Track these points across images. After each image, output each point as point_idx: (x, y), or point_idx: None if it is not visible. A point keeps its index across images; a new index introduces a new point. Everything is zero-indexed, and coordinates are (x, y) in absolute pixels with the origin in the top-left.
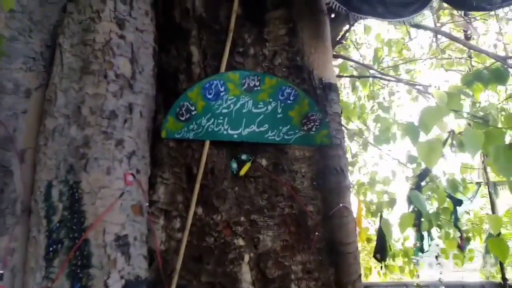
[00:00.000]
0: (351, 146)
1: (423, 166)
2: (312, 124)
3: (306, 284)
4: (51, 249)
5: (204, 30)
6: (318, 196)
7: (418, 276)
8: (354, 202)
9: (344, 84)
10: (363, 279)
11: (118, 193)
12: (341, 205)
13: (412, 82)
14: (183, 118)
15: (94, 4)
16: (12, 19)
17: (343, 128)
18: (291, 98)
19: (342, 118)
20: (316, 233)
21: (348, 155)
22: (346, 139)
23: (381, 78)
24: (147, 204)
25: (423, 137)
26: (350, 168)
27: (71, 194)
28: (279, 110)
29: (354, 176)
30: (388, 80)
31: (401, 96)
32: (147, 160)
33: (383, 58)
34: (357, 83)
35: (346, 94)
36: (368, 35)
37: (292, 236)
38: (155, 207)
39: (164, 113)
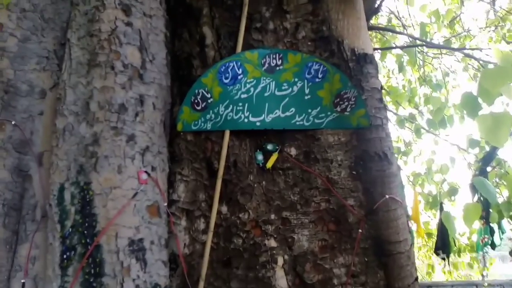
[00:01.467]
0: (403, 134)
1: (488, 150)
2: (346, 103)
3: None
4: (65, 256)
5: (216, 7)
6: (359, 187)
7: (486, 275)
8: (410, 194)
9: (391, 70)
10: (425, 279)
11: (131, 193)
12: (387, 196)
13: (469, 53)
14: (199, 108)
15: None
16: (23, 19)
17: (385, 106)
18: (320, 76)
19: (391, 103)
20: (360, 231)
21: (401, 145)
22: (397, 126)
23: (430, 46)
24: (166, 204)
25: (485, 110)
26: (404, 158)
27: (82, 197)
28: (307, 91)
29: (409, 167)
30: (439, 48)
31: (456, 76)
32: (164, 156)
33: (434, 33)
34: (405, 63)
35: (394, 78)
36: (412, 7)
37: (332, 235)
38: (175, 207)
39: (180, 104)
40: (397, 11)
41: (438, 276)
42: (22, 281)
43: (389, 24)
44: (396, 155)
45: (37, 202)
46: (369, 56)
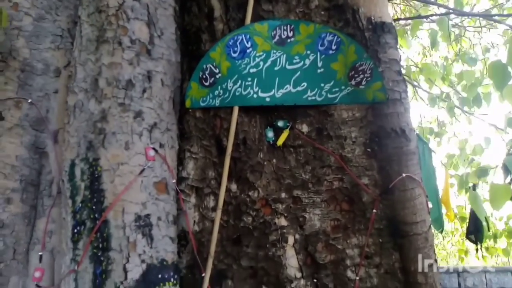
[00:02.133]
0: (438, 114)
1: None
2: (362, 76)
3: (365, 271)
4: (75, 230)
5: None
6: (374, 165)
7: None
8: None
9: (427, 47)
10: (458, 263)
11: (138, 169)
12: (404, 175)
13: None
14: (207, 83)
15: None
16: None
17: (403, 78)
18: (333, 47)
19: (423, 81)
20: (374, 211)
21: (435, 125)
22: (427, 104)
23: (460, 14)
24: (175, 181)
25: None
26: (437, 139)
27: (91, 173)
28: (320, 64)
29: (444, 149)
30: (469, 16)
31: (498, 52)
32: (173, 133)
33: (473, 5)
34: (439, 38)
35: (424, 52)
36: None
37: (345, 214)
38: (185, 184)
39: (189, 80)
40: None
41: (472, 262)
42: (39, 253)
43: None
44: (429, 136)
45: (53, 178)
46: (387, 24)
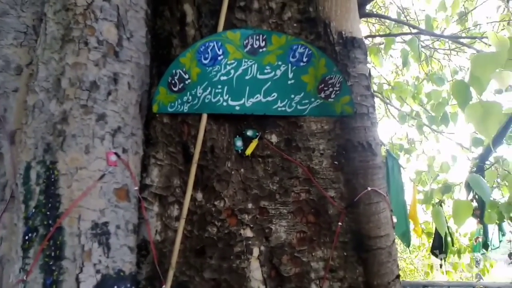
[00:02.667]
0: (410, 132)
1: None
2: (331, 89)
3: (329, 285)
4: (27, 237)
5: None
6: (340, 178)
7: (479, 277)
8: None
9: (398, 66)
10: (424, 278)
11: (98, 174)
12: (369, 188)
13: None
14: (175, 89)
15: None
16: None
17: (372, 93)
18: (304, 60)
19: (394, 99)
20: (339, 224)
21: (405, 142)
22: (397, 121)
23: (429, 35)
24: (137, 188)
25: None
26: (406, 155)
27: (47, 176)
28: (290, 75)
29: (413, 165)
30: (439, 37)
31: (465, 75)
32: (138, 138)
33: (443, 29)
34: (410, 58)
35: (396, 71)
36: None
37: (311, 227)
38: (148, 191)
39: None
40: (401, 5)
41: (438, 277)
42: None
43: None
44: (399, 153)
45: (7, 181)
46: (357, 40)
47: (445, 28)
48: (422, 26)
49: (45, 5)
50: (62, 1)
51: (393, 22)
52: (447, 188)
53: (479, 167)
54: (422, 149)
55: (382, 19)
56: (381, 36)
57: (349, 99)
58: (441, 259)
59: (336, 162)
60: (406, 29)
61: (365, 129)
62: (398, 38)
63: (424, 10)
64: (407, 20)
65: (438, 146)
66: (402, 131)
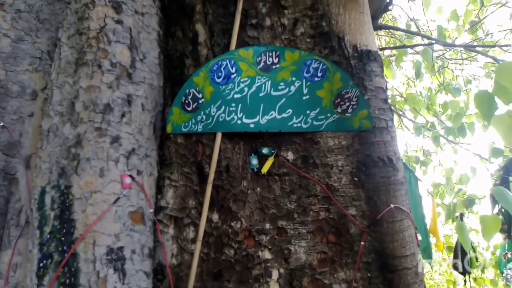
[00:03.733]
0: (424, 144)
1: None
2: (348, 104)
3: None
4: (41, 264)
5: (210, 3)
6: (361, 195)
7: None
8: (429, 206)
9: (410, 77)
10: None
11: (113, 198)
12: (392, 206)
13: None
14: (189, 108)
15: None
16: (18, 19)
17: (390, 106)
18: (319, 74)
19: (408, 110)
20: (362, 243)
21: (420, 154)
22: (412, 133)
23: (445, 45)
24: (152, 210)
25: (502, 110)
26: (423, 168)
27: (62, 201)
28: (305, 91)
29: (430, 177)
30: (455, 47)
31: (479, 83)
32: (152, 160)
33: (455, 38)
34: (423, 69)
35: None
36: (427, 9)
37: (332, 247)
38: (163, 213)
39: (171, 105)
40: (413, 16)
41: None
42: None
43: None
44: (415, 165)
45: (22, 206)
46: (373, 53)
47: (456, 38)
48: (434, 36)
49: (59, 31)
50: (75, 25)
51: (404, 34)
52: (470, 202)
53: (504, 179)
54: (438, 161)
55: (392, 31)
56: (393, 48)
57: (367, 113)
58: (464, 275)
59: (356, 179)
60: (416, 40)
61: (385, 144)
62: (409, 50)
63: (434, 21)
64: (419, 31)
65: (455, 157)
66: (417, 142)
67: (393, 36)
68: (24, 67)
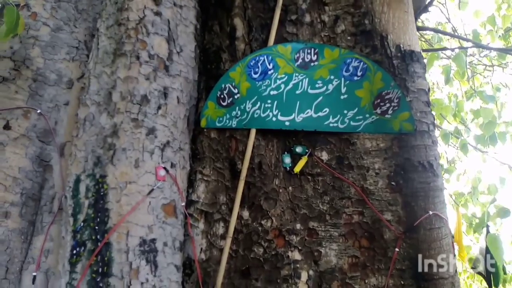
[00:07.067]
0: (447, 151)
1: None
2: (388, 105)
3: None
4: (74, 252)
5: None
6: (398, 200)
7: None
8: (451, 215)
9: (436, 83)
10: None
11: (147, 189)
12: (430, 212)
13: None
14: (224, 103)
15: None
16: (58, 8)
17: (432, 113)
18: (359, 74)
19: (435, 117)
20: (396, 250)
21: (444, 162)
22: (440, 140)
23: (484, 47)
24: (184, 204)
25: None
26: (446, 176)
27: (97, 190)
28: (343, 90)
29: (452, 186)
30: (495, 50)
31: (508, 91)
32: (185, 153)
33: (487, 44)
34: (452, 74)
35: (438, 91)
36: (463, 11)
37: (364, 251)
38: (194, 208)
39: (206, 99)
40: (448, 17)
41: None
42: (33, 274)
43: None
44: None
45: (55, 193)
46: (416, 53)
47: (488, 43)
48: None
49: (98, 21)
50: (115, 16)
51: (436, 36)
52: (505, 212)
53: None
54: (464, 169)
55: (421, 33)
56: (426, 51)
57: (409, 115)
58: (481, 275)
59: (393, 183)
60: (446, 43)
61: (425, 148)
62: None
63: (465, 24)
64: (457, 33)
65: (481, 166)
66: (440, 149)
67: (421, 38)
68: (61, 56)
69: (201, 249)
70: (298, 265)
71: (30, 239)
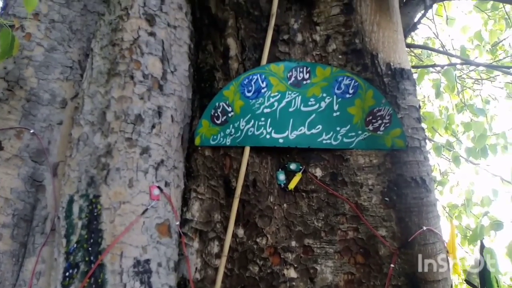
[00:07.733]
0: (439, 163)
1: None
2: (380, 121)
3: None
4: (67, 274)
5: (242, 17)
6: (392, 216)
7: None
8: (445, 227)
9: (427, 96)
10: None
11: (141, 209)
12: (424, 228)
13: None
14: (218, 121)
15: (123, 1)
16: (52, 29)
17: (423, 127)
18: (350, 91)
19: (426, 130)
20: (392, 266)
21: (437, 173)
22: (433, 153)
23: (472, 64)
24: (178, 223)
25: None
26: (439, 188)
27: (90, 210)
28: (336, 107)
29: (445, 198)
30: (482, 66)
31: (497, 104)
32: (179, 172)
33: (475, 58)
34: (442, 88)
35: (429, 104)
36: (451, 27)
37: (360, 268)
38: (188, 226)
39: (199, 118)
40: (436, 32)
41: None
42: None
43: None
44: None
45: (48, 214)
46: (406, 71)
47: (476, 57)
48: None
49: (92, 41)
50: (109, 36)
51: (425, 53)
52: (498, 225)
53: None
54: (457, 181)
55: (411, 49)
56: (415, 67)
57: (400, 132)
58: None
59: (387, 199)
60: (435, 59)
61: (418, 164)
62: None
63: (453, 39)
64: (445, 49)
65: (473, 178)
66: (432, 162)
67: (411, 53)
68: (55, 76)
69: (196, 268)
70: (294, 283)
71: (21, 261)
